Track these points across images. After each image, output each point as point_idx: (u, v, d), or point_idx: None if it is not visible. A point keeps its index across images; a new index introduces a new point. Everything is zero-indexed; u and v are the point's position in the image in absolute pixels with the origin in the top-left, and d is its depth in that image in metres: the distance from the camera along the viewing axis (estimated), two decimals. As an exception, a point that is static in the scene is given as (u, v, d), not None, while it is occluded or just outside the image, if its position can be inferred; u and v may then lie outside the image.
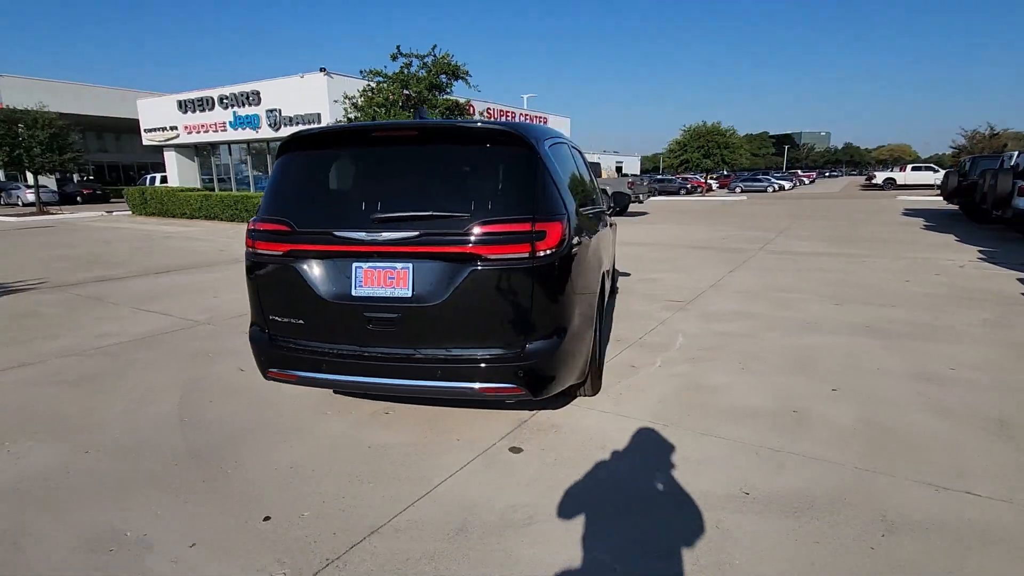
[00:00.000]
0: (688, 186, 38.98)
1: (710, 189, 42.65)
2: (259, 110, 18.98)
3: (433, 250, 2.48)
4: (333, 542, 2.08)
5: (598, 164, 19.05)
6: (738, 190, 42.31)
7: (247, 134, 19.89)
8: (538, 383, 2.57)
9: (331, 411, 3.24)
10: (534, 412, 3.19)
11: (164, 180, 26.40)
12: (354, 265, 2.57)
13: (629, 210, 19.16)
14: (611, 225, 5.36)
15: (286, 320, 2.74)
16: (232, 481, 2.51)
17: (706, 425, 3.00)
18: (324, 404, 3.32)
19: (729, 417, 3.10)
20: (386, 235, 2.49)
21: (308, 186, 2.73)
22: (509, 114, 25.41)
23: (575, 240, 2.73)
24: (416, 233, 2.47)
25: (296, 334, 2.74)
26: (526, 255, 2.45)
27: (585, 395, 3.31)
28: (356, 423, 3.08)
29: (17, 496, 2.42)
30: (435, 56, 11.76)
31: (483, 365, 2.52)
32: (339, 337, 2.67)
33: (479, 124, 2.62)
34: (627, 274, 7.65)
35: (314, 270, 2.62)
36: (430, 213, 2.49)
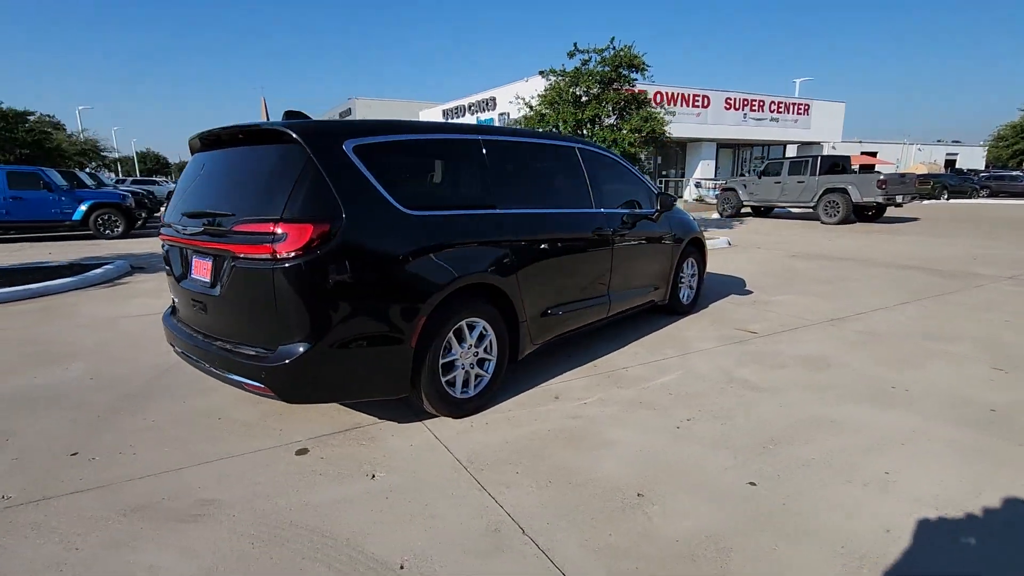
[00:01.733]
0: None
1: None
2: (494, 114, 21.04)
3: (209, 246, 2.64)
4: (64, 486, 2.45)
5: (845, 156, 15.52)
6: None
7: (486, 136, 22.25)
8: (284, 388, 2.50)
9: (248, 383, 3.66)
10: (379, 421, 3.06)
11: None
12: (191, 255, 2.90)
13: (885, 215, 15.19)
14: (651, 233, 4.59)
15: (172, 299, 3.25)
16: (108, 421, 3.12)
17: (506, 481, 2.45)
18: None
19: (546, 479, 2.45)
20: (189, 229, 2.75)
21: (180, 184, 3.16)
22: (756, 101, 22.62)
23: (361, 244, 2.54)
24: (200, 229, 2.67)
25: (176, 312, 3.23)
26: (267, 256, 2.41)
27: (433, 414, 3.02)
28: (245, 396, 3.43)
29: (18, 396, 3.47)
30: (614, 48, 11.29)
31: (243, 361, 2.57)
32: (185, 319, 3.05)
33: (262, 124, 2.64)
34: (748, 292, 6.27)
35: (173, 258, 3.05)
36: (205, 211, 2.65)
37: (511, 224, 3.26)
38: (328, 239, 2.44)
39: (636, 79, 11.35)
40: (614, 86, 11.30)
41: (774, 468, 2.52)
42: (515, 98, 12.54)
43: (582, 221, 3.84)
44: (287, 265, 2.39)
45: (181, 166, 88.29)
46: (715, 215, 18.02)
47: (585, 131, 11.21)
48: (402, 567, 1.91)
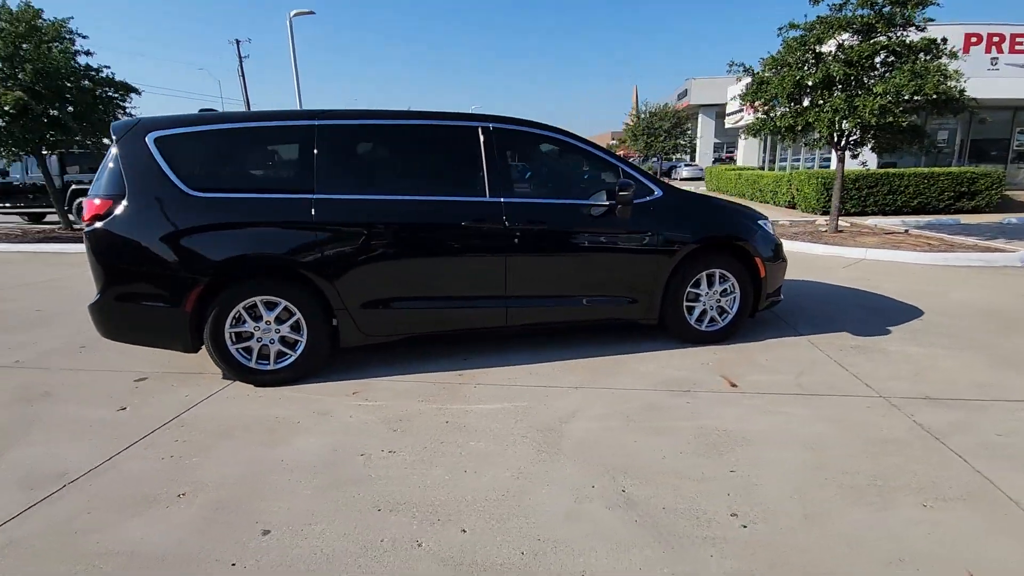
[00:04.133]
0: None
1: None
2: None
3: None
4: None
5: None
6: None
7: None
8: (96, 326, 3.24)
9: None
10: (218, 371, 3.54)
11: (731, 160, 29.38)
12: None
13: None
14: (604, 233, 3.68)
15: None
16: (85, 343, 4.49)
17: (156, 444, 2.64)
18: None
19: (177, 455, 2.54)
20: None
21: None
22: None
23: (137, 218, 3.07)
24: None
25: None
26: (82, 222, 3.17)
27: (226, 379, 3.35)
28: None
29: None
30: (881, -21, 8.02)
31: (92, 303, 3.41)
32: None
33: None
34: (883, 332, 4.19)
35: None
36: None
37: (325, 209, 3.22)
38: (110, 212, 3.04)
39: (915, 18, 8.01)
40: (880, 34, 8.24)
41: (303, 547, 1.99)
42: (729, 63, 10.42)
43: (446, 210, 3.39)
44: (85, 231, 3.11)
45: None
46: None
47: (815, 98, 8.56)
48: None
